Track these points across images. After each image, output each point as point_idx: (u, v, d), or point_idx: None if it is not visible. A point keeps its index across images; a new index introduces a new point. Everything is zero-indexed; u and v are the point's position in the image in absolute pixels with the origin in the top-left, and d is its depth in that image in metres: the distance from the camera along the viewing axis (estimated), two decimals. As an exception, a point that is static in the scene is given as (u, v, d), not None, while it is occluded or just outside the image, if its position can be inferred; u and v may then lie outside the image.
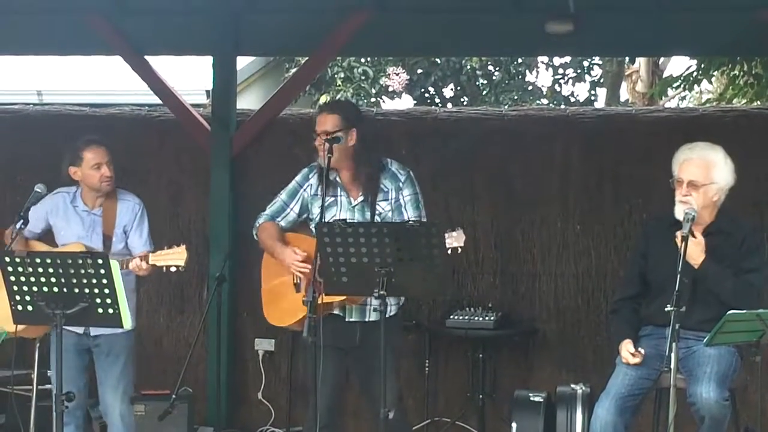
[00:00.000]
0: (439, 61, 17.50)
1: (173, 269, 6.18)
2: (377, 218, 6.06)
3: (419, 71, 17.72)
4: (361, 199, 6.12)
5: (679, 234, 5.53)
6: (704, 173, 5.75)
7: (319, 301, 5.72)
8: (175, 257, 6.15)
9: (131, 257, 6.29)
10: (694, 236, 5.59)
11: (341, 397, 6.22)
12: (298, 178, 6.27)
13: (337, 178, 6.14)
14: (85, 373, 6.48)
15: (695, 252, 5.63)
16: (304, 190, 6.23)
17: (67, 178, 6.52)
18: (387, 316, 5.91)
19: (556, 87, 18.79)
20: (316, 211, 6.12)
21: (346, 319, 6.12)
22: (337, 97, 15.46)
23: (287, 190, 6.27)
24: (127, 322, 5.35)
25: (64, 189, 6.59)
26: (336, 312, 6.10)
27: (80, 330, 6.24)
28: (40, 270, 5.26)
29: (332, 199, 6.14)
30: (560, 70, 18.71)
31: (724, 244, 5.77)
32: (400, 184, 6.11)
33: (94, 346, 6.41)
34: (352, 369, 6.23)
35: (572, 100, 18.75)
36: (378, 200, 6.09)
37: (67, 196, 6.56)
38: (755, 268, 5.73)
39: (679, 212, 5.72)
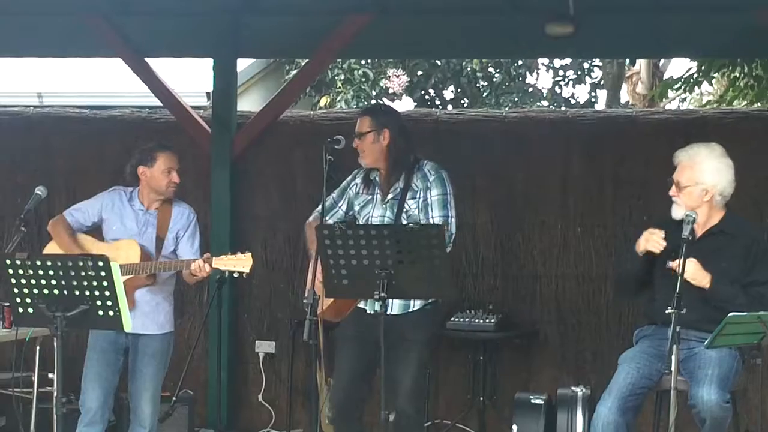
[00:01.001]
0: (439, 63, 17.50)
1: (236, 275, 6.31)
2: (404, 216, 6.14)
3: (419, 73, 17.71)
4: (391, 196, 6.21)
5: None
6: (687, 174, 5.79)
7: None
8: (241, 264, 6.25)
9: (193, 258, 6.37)
10: (695, 239, 5.60)
11: (361, 387, 6.24)
12: (348, 177, 6.41)
13: (377, 177, 6.28)
14: (117, 374, 6.54)
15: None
16: (350, 188, 6.38)
17: (131, 177, 6.60)
18: (411, 309, 6.09)
19: (557, 89, 18.79)
20: (356, 208, 6.30)
21: (368, 311, 6.15)
22: (337, 99, 15.49)
23: (338, 189, 6.42)
24: (128, 324, 5.35)
25: (120, 187, 6.68)
26: (360, 305, 6.19)
27: None
28: (41, 272, 5.26)
29: (369, 197, 6.28)
30: (560, 72, 18.71)
31: (727, 246, 5.75)
32: (428, 184, 6.18)
33: (132, 343, 6.47)
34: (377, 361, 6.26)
35: (573, 102, 18.74)
36: (407, 198, 6.17)
37: (124, 194, 6.63)
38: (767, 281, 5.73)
39: (674, 211, 5.80)
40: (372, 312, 6.13)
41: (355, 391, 6.26)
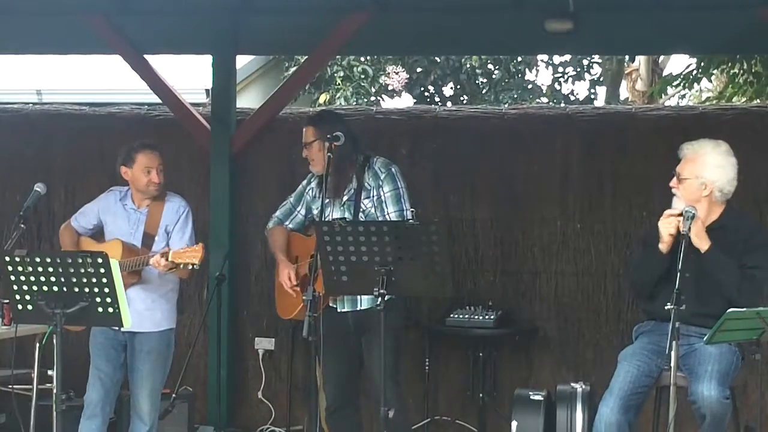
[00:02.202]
0: (438, 60, 17.49)
1: (190, 267, 6.28)
2: (361, 215, 6.26)
3: (419, 70, 17.70)
4: (346, 198, 6.31)
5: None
6: (689, 167, 5.80)
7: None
8: (190, 255, 6.23)
9: (153, 253, 6.36)
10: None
11: (352, 382, 6.37)
12: (303, 182, 6.54)
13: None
14: (120, 370, 6.58)
15: (702, 234, 5.63)
16: (307, 193, 6.53)
17: (120, 177, 6.65)
18: (378, 302, 6.03)
19: (556, 85, 18.79)
20: (315, 211, 6.38)
21: (338, 310, 6.28)
22: (337, 96, 15.49)
23: (295, 193, 6.58)
24: (127, 321, 5.36)
25: (117, 188, 6.75)
26: (330, 304, 6.28)
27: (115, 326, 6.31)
28: (40, 269, 5.26)
29: (327, 200, 6.31)
30: (560, 69, 18.70)
31: (727, 240, 5.75)
32: (380, 182, 6.29)
33: (129, 341, 6.52)
34: (361, 355, 6.36)
35: (572, 98, 18.74)
36: (362, 198, 6.28)
37: (118, 194, 6.70)
38: (760, 265, 5.73)
39: (674, 204, 5.82)
40: (342, 310, 6.27)
41: (345, 388, 6.34)
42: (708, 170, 5.78)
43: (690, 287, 5.50)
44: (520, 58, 17.90)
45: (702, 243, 5.64)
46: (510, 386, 8.17)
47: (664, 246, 5.70)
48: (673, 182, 5.83)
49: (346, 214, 6.25)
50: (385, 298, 6.04)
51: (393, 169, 6.33)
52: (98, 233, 6.74)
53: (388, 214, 6.21)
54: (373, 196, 6.27)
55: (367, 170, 6.31)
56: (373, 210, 6.24)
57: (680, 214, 5.66)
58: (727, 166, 5.82)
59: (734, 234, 5.79)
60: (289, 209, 6.57)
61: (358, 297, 6.22)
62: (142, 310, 6.44)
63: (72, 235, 6.74)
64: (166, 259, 6.25)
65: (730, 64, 11.88)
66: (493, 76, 18.26)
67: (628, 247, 8.32)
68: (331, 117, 6.70)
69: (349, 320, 6.26)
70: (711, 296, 5.68)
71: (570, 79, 18.76)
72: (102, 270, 5.21)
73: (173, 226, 6.59)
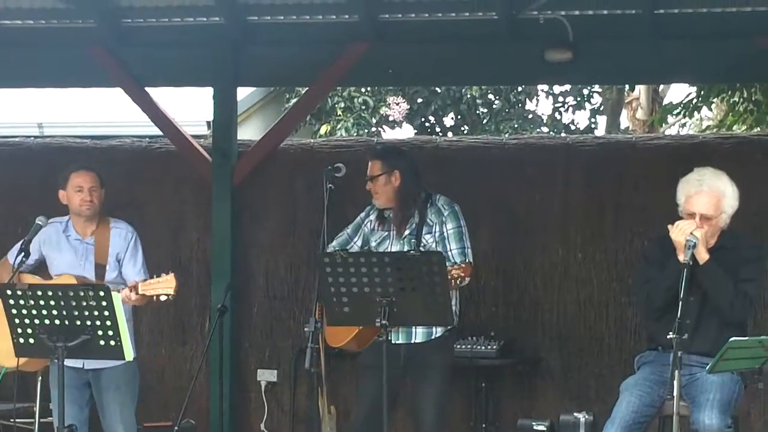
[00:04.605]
0: (439, 91, 17.52)
1: (163, 298, 6.08)
2: (422, 249, 6.27)
3: (419, 100, 17.73)
4: (407, 232, 6.37)
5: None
6: (716, 205, 5.80)
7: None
8: (164, 285, 6.05)
9: (121, 287, 6.15)
10: (696, 263, 5.62)
11: (380, 417, 6.22)
12: (362, 214, 6.61)
13: (390, 215, 6.44)
14: (86, 408, 6.40)
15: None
16: (365, 225, 6.58)
17: (60, 204, 6.49)
18: (434, 336, 6.24)
19: (556, 115, 18.81)
20: (374, 244, 6.47)
21: (392, 342, 6.16)
22: (338, 127, 15.52)
23: (353, 224, 6.63)
24: (129, 354, 5.36)
25: (56, 219, 6.53)
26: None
27: (78, 364, 6.11)
28: (42, 302, 5.27)
29: (386, 233, 6.45)
30: (560, 98, 18.73)
31: (727, 261, 5.75)
32: (443, 218, 6.37)
33: (93, 379, 6.33)
34: (401, 389, 6.39)
35: (572, 128, 18.76)
36: (423, 233, 6.34)
37: (60, 225, 6.49)
38: (750, 278, 5.79)
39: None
40: (396, 342, 6.20)
41: (374, 420, 6.28)
42: (729, 202, 5.83)
43: (693, 315, 5.50)
44: (520, 88, 17.92)
45: (703, 254, 5.66)
46: (512, 417, 8.16)
47: (681, 255, 5.67)
48: (698, 222, 5.77)
49: (406, 248, 6.28)
50: (439, 333, 6.23)
51: (456, 208, 6.43)
52: (39, 268, 6.47)
53: (450, 250, 6.27)
54: (435, 232, 6.34)
55: (429, 206, 6.40)
56: (434, 245, 6.29)
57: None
58: (735, 191, 5.87)
59: (733, 252, 5.83)
60: (346, 240, 6.58)
61: (413, 329, 6.24)
62: None
63: (8, 270, 6.28)
64: (136, 293, 6.07)
65: (729, 93, 11.91)
66: (494, 106, 18.29)
67: (630, 276, 8.31)
68: (397, 151, 6.83)
69: (401, 352, 6.21)
70: (713, 325, 5.69)
71: (570, 109, 18.79)
72: (104, 303, 5.21)
73: (123, 254, 6.39)
